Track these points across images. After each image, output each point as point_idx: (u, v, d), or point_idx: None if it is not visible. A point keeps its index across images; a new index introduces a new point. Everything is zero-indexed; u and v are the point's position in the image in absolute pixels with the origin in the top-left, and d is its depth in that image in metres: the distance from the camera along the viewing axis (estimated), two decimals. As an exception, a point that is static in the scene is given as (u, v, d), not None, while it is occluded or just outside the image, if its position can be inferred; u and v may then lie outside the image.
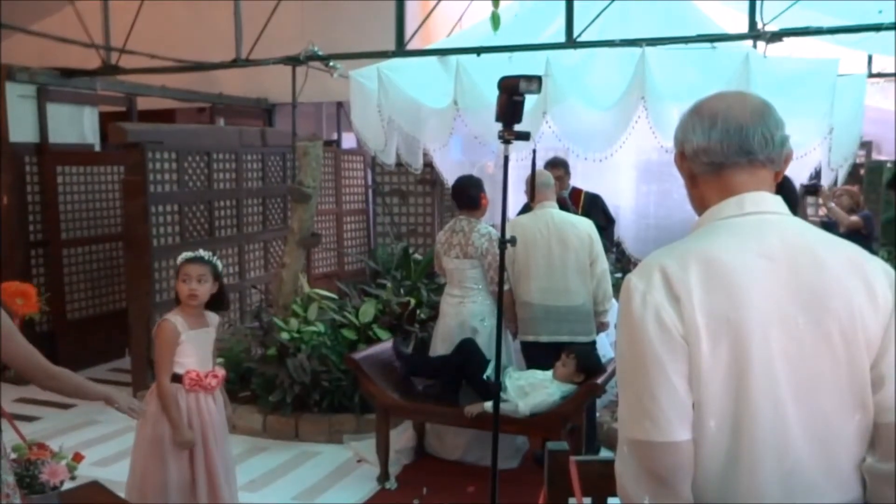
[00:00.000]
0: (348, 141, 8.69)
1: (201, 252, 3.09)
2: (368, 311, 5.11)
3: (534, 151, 4.13)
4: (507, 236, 3.18)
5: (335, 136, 8.86)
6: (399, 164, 5.94)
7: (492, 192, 4.71)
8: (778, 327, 1.23)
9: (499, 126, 3.05)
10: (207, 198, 6.09)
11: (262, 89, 8.08)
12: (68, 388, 2.23)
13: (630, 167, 5.60)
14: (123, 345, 6.25)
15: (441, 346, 4.26)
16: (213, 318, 3.13)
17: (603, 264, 4.17)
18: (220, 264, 3.11)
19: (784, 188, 1.39)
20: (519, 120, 2.96)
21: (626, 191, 5.59)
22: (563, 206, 4.52)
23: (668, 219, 5.28)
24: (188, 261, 3.03)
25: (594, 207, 5.20)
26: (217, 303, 3.11)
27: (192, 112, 8.90)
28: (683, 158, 1.38)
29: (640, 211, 5.53)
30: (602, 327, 4.26)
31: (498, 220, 4.15)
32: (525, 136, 2.94)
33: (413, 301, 5.29)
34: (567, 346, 3.93)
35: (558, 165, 5.08)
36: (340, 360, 4.70)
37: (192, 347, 3.00)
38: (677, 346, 1.22)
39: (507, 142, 2.95)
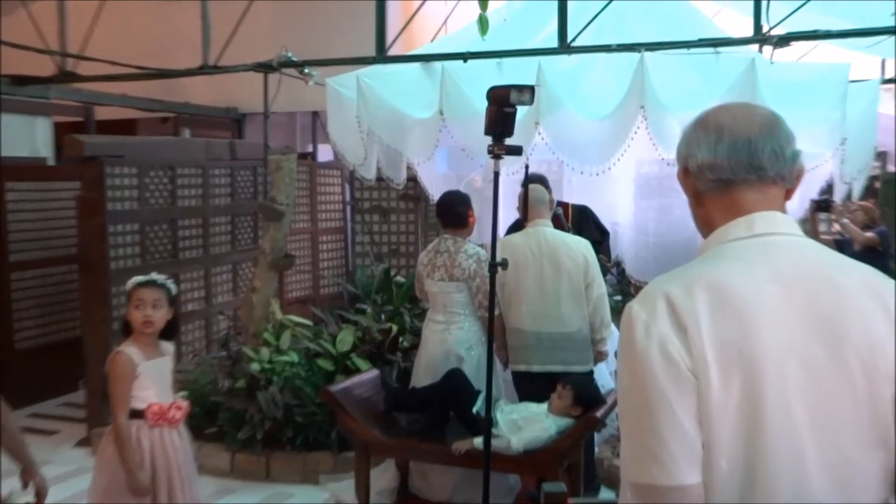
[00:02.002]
0: (325, 154, 8.72)
1: (154, 275, 3.07)
2: (346, 339, 5.10)
3: (526, 166, 4.13)
4: (498, 257, 3.17)
5: (310, 149, 8.90)
6: (380, 179, 5.95)
7: (480, 208, 4.71)
8: (793, 360, 1.23)
9: (488, 138, 3.05)
10: (171, 216, 6.07)
11: (232, 98, 8.08)
12: (4, 436, 2.19)
13: (629, 181, 5.61)
14: (77, 377, 6.17)
15: (424, 377, 4.24)
16: (168, 346, 3.11)
17: (599, 288, 4.17)
18: (174, 288, 3.08)
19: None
20: (510, 133, 2.97)
21: (624, 206, 5.61)
22: (557, 224, 4.53)
23: (670, 236, 5.26)
24: (141, 285, 3.01)
25: (584, 221, 5.22)
26: (169, 330, 3.08)
27: (155, 123, 8.89)
28: (687, 175, 1.39)
29: (640, 228, 5.53)
30: (600, 356, 4.26)
31: (486, 240, 4.21)
32: (517, 151, 2.97)
33: (395, 328, 5.28)
34: (562, 376, 3.92)
35: (536, 182, 5.11)
36: (316, 393, 4.67)
37: (151, 379, 2.97)
38: (685, 381, 1.22)
39: (497, 157, 2.96)
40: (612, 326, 4.53)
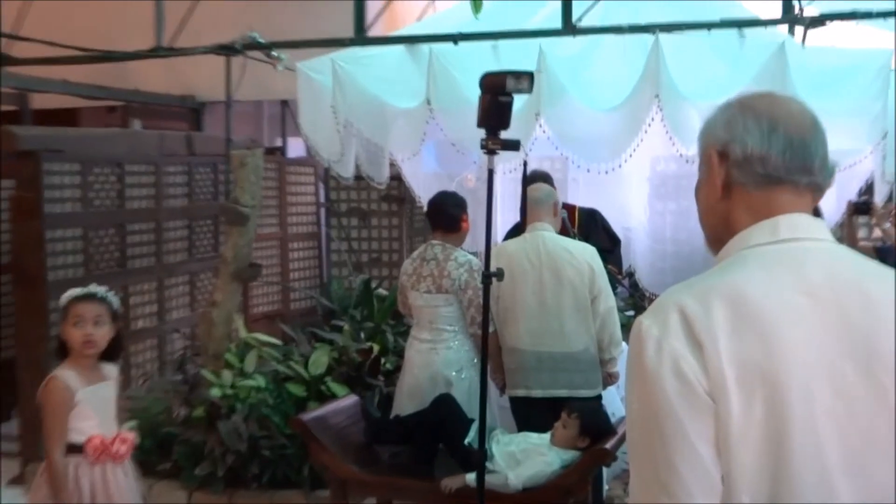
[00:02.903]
0: (295, 149, 8.70)
1: (94, 287, 3.05)
2: (321, 360, 5.09)
3: (524, 163, 4.16)
4: (493, 267, 3.18)
5: (279, 143, 8.88)
6: (359, 178, 5.96)
7: (474, 212, 4.74)
8: (822, 380, 1.24)
9: (481, 132, 3.07)
10: (119, 220, 6.06)
11: (189, 85, 8.06)
12: None
13: (642, 180, 5.66)
14: (10, 405, 6.12)
15: (408, 404, 4.24)
16: (111, 369, 3.10)
17: (608, 301, 4.19)
18: (116, 301, 3.08)
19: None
20: (506, 125, 2.99)
21: (637, 210, 5.65)
22: (562, 230, 4.54)
23: (690, 244, 5.33)
24: (78, 299, 3.00)
25: (593, 226, 5.26)
26: (112, 351, 3.07)
27: (101, 112, 8.86)
28: (723, 161, 1.39)
29: (656, 234, 5.60)
30: (610, 379, 4.28)
31: (481, 247, 4.21)
32: (514, 146, 2.99)
33: (376, 347, 5.28)
34: (567, 402, 3.93)
35: (537, 181, 5.13)
36: (285, 423, 4.67)
37: (91, 408, 2.95)
38: (701, 404, 1.23)
39: (491, 152, 2.98)
40: (624, 345, 4.56)
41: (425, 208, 4.78)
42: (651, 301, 5.68)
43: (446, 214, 4.27)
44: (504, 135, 3.00)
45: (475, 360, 4.16)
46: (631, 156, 4.80)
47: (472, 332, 4.17)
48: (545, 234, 4.24)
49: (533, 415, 4.11)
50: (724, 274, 1.33)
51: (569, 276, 4.13)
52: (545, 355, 4.13)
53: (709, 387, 1.23)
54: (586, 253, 4.22)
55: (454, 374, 4.18)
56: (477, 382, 4.06)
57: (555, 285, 4.13)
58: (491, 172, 3.07)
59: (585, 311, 4.14)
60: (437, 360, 4.18)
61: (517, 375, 4.20)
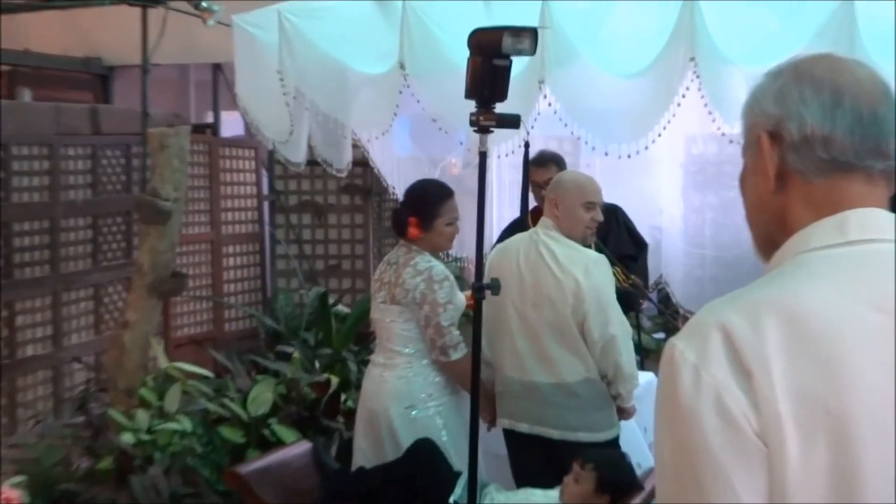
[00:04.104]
0: (231, 126, 8.67)
1: None
2: (263, 397, 5.11)
3: (526, 144, 4.17)
4: (487, 276, 3.18)
5: (210, 119, 8.84)
6: (312, 163, 5.97)
7: (461, 206, 4.73)
8: (902, 418, 1.24)
9: (470, 104, 3.07)
10: (2, 217, 6.03)
11: (93, 45, 8.03)
12: None
13: (675, 167, 5.73)
14: None
15: (368, 451, 4.29)
16: None
17: (606, 328, 4.09)
18: None
19: None
20: (502, 96, 3.01)
21: (669, 204, 5.72)
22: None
23: (734, 247, 5.38)
24: None
25: (613, 226, 5.26)
26: None
27: (-21, 79, 8.80)
28: (775, 143, 1.41)
29: (693, 235, 5.65)
30: (623, 415, 4.30)
31: (470, 252, 4.17)
32: (512, 122, 3.04)
33: (335, 380, 5.29)
34: (576, 449, 3.94)
35: (548, 164, 5.15)
36: (218, 477, 4.66)
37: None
38: (750, 449, 1.24)
39: (483, 130, 3.00)
40: (650, 375, 4.57)
41: (400, 201, 4.79)
42: (687, 320, 5.73)
43: (417, 208, 4.33)
44: (500, 108, 3.00)
45: (439, 396, 4.22)
46: (660, 135, 4.79)
47: (435, 358, 4.20)
48: (542, 235, 4.26)
49: (526, 461, 4.17)
50: (779, 284, 1.33)
51: (547, 291, 4.14)
52: (530, 384, 4.18)
53: (759, 426, 1.23)
54: (578, 264, 4.14)
55: (401, 411, 4.20)
56: (438, 425, 4.14)
57: (535, 300, 4.18)
58: (483, 156, 3.10)
59: (570, 335, 4.13)
60: (384, 390, 4.25)
61: (503, 401, 4.30)
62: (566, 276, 4.12)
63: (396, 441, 4.16)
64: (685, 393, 1.27)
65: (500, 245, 4.46)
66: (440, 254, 4.73)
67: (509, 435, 4.32)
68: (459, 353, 4.14)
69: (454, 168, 6.36)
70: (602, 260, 4.21)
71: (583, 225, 4.28)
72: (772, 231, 1.43)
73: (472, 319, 3.24)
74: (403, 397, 4.22)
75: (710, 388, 1.25)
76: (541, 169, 5.04)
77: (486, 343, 4.18)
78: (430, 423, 4.15)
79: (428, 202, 4.32)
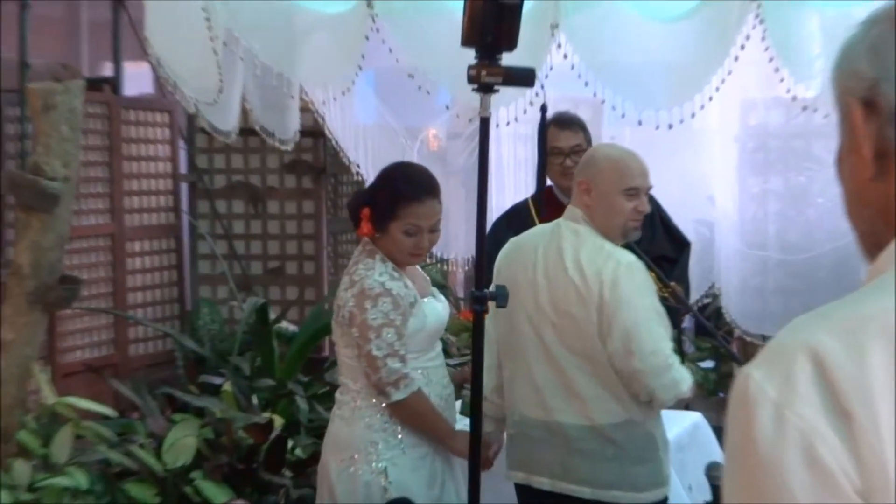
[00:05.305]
0: (137, 81, 8.78)
1: None
2: (184, 443, 5.14)
3: (543, 108, 4.10)
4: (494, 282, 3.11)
5: (108, 72, 8.85)
6: (248, 133, 5.93)
7: (448, 192, 4.71)
8: None
9: (463, 56, 2.99)
10: None
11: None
12: None
13: (728, 140, 5.74)
14: None
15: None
16: None
17: (629, 360, 4.03)
18: None
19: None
20: (511, 43, 2.98)
21: (720, 191, 5.76)
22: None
23: (808, 249, 5.42)
24: None
25: (645, 219, 5.23)
26: None
27: None
28: (872, 114, 1.40)
29: (750, 234, 5.69)
30: None
31: (462, 251, 4.10)
32: (525, 78, 3.09)
33: (279, 421, 5.32)
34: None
35: (571, 126, 5.15)
36: (122, 552, 4.72)
37: None
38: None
39: (486, 88, 2.98)
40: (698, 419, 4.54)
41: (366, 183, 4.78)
42: (744, 344, 5.69)
43: (373, 200, 4.34)
44: (506, 60, 3.01)
45: (389, 448, 4.18)
46: (712, 98, 4.85)
47: (379, 401, 4.20)
48: (567, 226, 4.18)
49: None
50: (884, 297, 1.32)
51: (567, 305, 4.10)
52: (553, 426, 4.15)
53: (861, 483, 1.24)
54: (603, 269, 4.09)
55: (339, 465, 4.22)
56: (381, 488, 4.15)
57: (555, 317, 4.14)
58: (486, 123, 3.10)
59: (602, 363, 4.09)
60: (328, 437, 4.35)
61: (515, 447, 4.29)
62: (587, 285, 4.05)
63: None
64: (764, 438, 1.28)
65: (512, 242, 4.41)
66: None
67: (523, 492, 4.28)
68: (402, 392, 4.08)
69: (434, 141, 6.33)
70: (636, 265, 4.13)
71: (623, 217, 4.18)
72: (875, 227, 1.42)
73: (472, 339, 3.14)
74: (343, 446, 4.25)
75: (798, 433, 1.27)
76: (564, 132, 5.05)
77: (503, 360, 4.26)
78: (374, 485, 4.14)
79: (386, 194, 4.29)
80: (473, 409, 3.27)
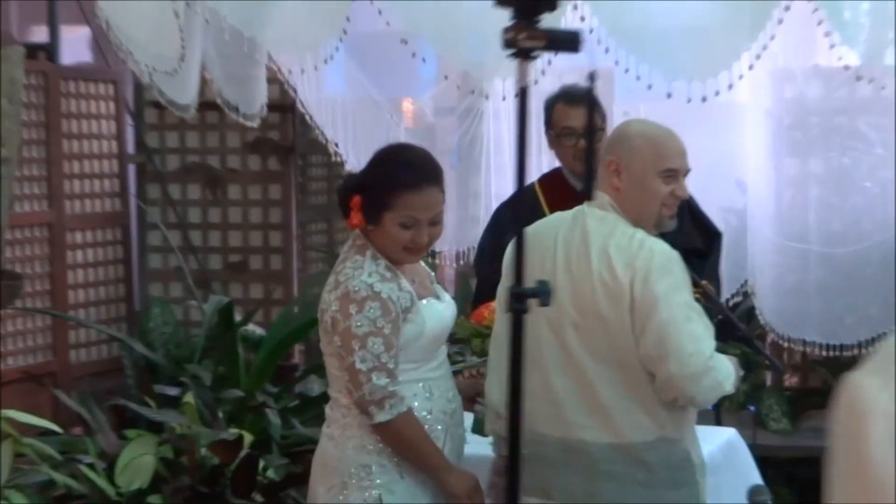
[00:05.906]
0: (76, 48, 8.89)
1: None
2: (140, 463, 5.17)
3: (591, 76, 4.27)
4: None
5: (43, 37, 8.84)
6: (208, 107, 6.01)
7: (452, 181, 4.70)
8: None
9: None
10: None
11: None
12: None
13: (759, 116, 5.79)
14: None
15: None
16: None
17: (664, 364, 4.04)
18: None
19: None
20: (552, 3, 3.00)
21: (753, 174, 5.81)
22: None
23: (854, 242, 5.42)
24: None
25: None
26: None
27: None
28: None
29: (787, 223, 5.74)
30: None
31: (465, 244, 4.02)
32: (570, 42, 3.06)
33: (248, 438, 5.37)
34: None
35: (581, 103, 5.12)
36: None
37: None
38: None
39: (525, 54, 2.94)
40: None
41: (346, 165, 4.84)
42: (778, 346, 5.66)
43: (364, 188, 4.31)
44: (545, 23, 2.98)
45: (384, 472, 4.18)
46: (752, 67, 4.91)
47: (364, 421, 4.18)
48: (592, 213, 4.18)
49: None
50: None
51: (595, 304, 4.10)
52: (574, 445, 4.15)
53: None
54: (637, 260, 4.10)
55: (326, 489, 4.25)
56: None
57: (578, 317, 4.14)
58: (524, 93, 3.05)
59: (634, 372, 4.12)
60: (317, 457, 4.35)
61: (530, 468, 4.16)
62: (617, 280, 4.05)
63: None
64: (878, 453, 1.32)
65: (530, 230, 4.34)
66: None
67: None
68: (387, 413, 4.06)
69: (408, 117, 6.35)
70: (673, 256, 4.13)
71: (657, 202, 4.20)
72: None
73: (511, 344, 3.23)
74: (332, 471, 4.25)
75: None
76: (573, 109, 5.09)
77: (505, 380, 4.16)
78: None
79: (379, 180, 4.27)
80: (512, 430, 3.25)
